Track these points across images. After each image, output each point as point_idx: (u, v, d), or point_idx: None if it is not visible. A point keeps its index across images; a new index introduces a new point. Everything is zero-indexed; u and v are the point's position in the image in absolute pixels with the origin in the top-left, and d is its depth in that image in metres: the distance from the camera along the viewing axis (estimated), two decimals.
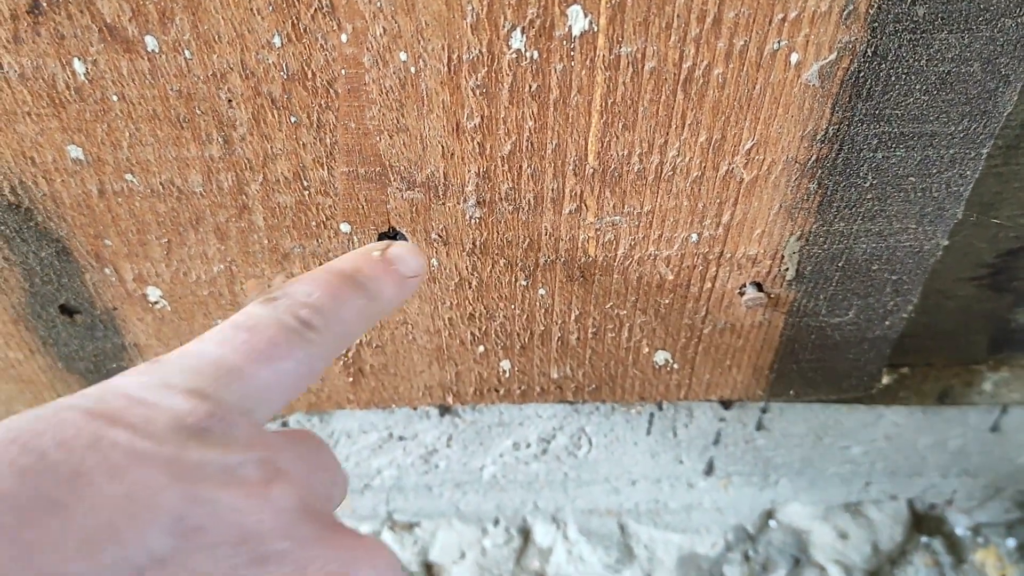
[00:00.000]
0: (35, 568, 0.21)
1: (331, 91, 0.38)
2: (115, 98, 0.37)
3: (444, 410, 0.65)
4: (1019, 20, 0.37)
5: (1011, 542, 0.78)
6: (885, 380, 0.61)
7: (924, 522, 0.79)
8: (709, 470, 0.72)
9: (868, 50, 0.37)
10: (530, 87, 0.38)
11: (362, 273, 0.35)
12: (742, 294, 0.48)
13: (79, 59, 0.36)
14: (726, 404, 0.66)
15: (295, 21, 0.35)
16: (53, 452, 0.24)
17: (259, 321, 0.31)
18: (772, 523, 0.77)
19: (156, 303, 0.47)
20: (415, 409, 0.64)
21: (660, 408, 0.65)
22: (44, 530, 0.22)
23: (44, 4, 0.34)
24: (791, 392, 0.56)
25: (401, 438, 0.67)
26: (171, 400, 0.27)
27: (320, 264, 0.45)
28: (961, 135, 0.41)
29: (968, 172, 0.43)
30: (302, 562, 0.26)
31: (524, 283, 0.47)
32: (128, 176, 0.41)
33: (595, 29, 0.36)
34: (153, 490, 0.24)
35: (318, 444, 0.32)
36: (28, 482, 0.23)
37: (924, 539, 0.78)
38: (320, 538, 0.27)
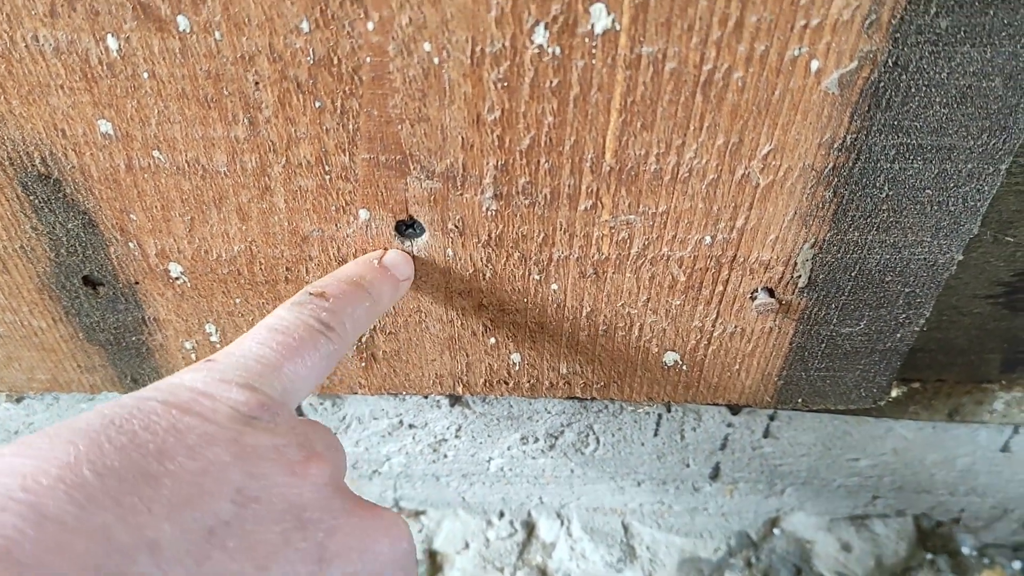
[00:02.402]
0: (132, 524, 0.26)
1: (356, 78, 0.38)
2: (146, 75, 0.38)
3: (455, 400, 0.65)
4: None
5: (1017, 564, 0.78)
6: (895, 393, 0.61)
7: (930, 539, 0.79)
8: (715, 475, 0.72)
9: (889, 60, 0.37)
10: (551, 83, 0.38)
11: (366, 279, 0.42)
12: (753, 299, 0.49)
13: (112, 35, 0.37)
14: (734, 410, 0.66)
15: (323, 7, 0.36)
16: (141, 433, 0.29)
17: (289, 324, 0.37)
18: (776, 531, 0.77)
19: (177, 279, 0.48)
20: (426, 398, 0.65)
21: (668, 410, 0.66)
22: (140, 495, 0.27)
23: None
24: (799, 400, 0.57)
25: (411, 426, 0.68)
26: (228, 393, 0.33)
27: (337, 249, 0.46)
28: (980, 150, 0.41)
29: (986, 188, 0.43)
30: (332, 529, 0.32)
31: (537, 277, 0.48)
32: (155, 153, 0.42)
33: (617, 28, 0.36)
34: (220, 467, 0.30)
35: (330, 430, 0.38)
36: (125, 456, 0.28)
37: (929, 556, 0.78)
38: (346, 510, 0.33)
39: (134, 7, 0.36)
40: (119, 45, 0.37)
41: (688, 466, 0.72)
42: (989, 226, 0.52)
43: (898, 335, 0.51)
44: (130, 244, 0.46)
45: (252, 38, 0.37)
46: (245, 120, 0.40)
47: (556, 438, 0.68)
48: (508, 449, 0.70)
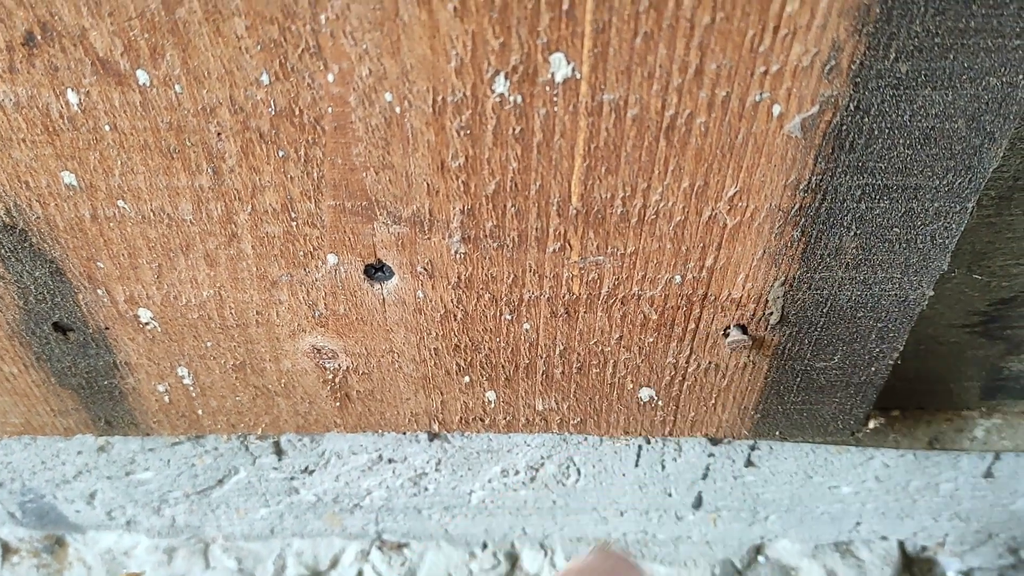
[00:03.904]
0: None
1: (318, 128, 0.38)
2: (107, 128, 0.38)
3: (433, 435, 0.65)
4: (1004, 79, 0.37)
5: None
6: (875, 423, 0.61)
7: (915, 564, 0.79)
8: (698, 504, 0.72)
9: (851, 104, 0.37)
10: (514, 130, 0.38)
11: None
12: (726, 335, 0.49)
13: (72, 90, 0.37)
14: (715, 440, 0.66)
15: (283, 60, 0.36)
16: None
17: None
18: (761, 559, 0.77)
19: (147, 324, 0.48)
20: (404, 433, 0.65)
21: (648, 441, 0.65)
22: None
23: (39, 37, 0.35)
24: (777, 433, 0.56)
25: (391, 460, 0.67)
26: None
27: (307, 293, 0.46)
28: (946, 189, 0.41)
29: (953, 225, 0.43)
30: None
31: (509, 317, 0.48)
32: (120, 202, 0.42)
33: (578, 76, 0.36)
34: None
35: None
36: None
37: None
38: None
39: (93, 62, 0.36)
40: (79, 99, 0.37)
41: (670, 495, 0.71)
42: (964, 258, 0.52)
43: (872, 368, 0.51)
44: (98, 291, 0.46)
45: (212, 91, 0.37)
46: (209, 170, 0.40)
47: (537, 470, 0.68)
48: (489, 482, 0.69)
